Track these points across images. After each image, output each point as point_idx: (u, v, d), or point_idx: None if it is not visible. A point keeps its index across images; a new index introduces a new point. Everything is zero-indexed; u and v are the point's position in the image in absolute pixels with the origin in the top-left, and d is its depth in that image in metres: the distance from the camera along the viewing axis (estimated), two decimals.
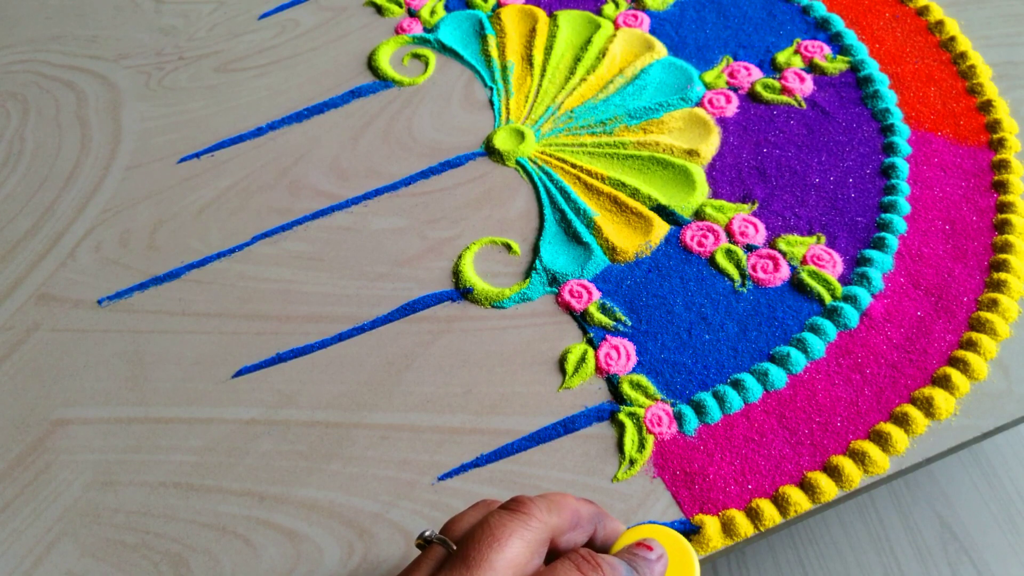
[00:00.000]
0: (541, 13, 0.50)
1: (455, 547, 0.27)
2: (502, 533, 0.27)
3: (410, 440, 0.34)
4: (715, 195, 0.41)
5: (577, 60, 0.47)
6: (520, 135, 0.44)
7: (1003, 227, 0.38)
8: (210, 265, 0.41)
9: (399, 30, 0.50)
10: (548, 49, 0.48)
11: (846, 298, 0.36)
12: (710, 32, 0.47)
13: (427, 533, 0.28)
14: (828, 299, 0.36)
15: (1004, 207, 0.38)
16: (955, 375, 0.33)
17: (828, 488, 0.31)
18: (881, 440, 0.32)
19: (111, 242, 0.43)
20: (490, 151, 0.44)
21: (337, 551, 0.32)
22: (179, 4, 0.54)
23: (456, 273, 0.39)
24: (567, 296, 0.38)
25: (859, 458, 0.32)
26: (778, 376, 0.34)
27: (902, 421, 0.33)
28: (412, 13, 0.51)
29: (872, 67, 0.44)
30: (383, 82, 0.48)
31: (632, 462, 0.33)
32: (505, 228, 0.41)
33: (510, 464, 0.34)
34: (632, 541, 0.29)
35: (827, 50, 0.45)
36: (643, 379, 0.35)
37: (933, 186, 0.40)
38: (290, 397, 0.36)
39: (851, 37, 0.46)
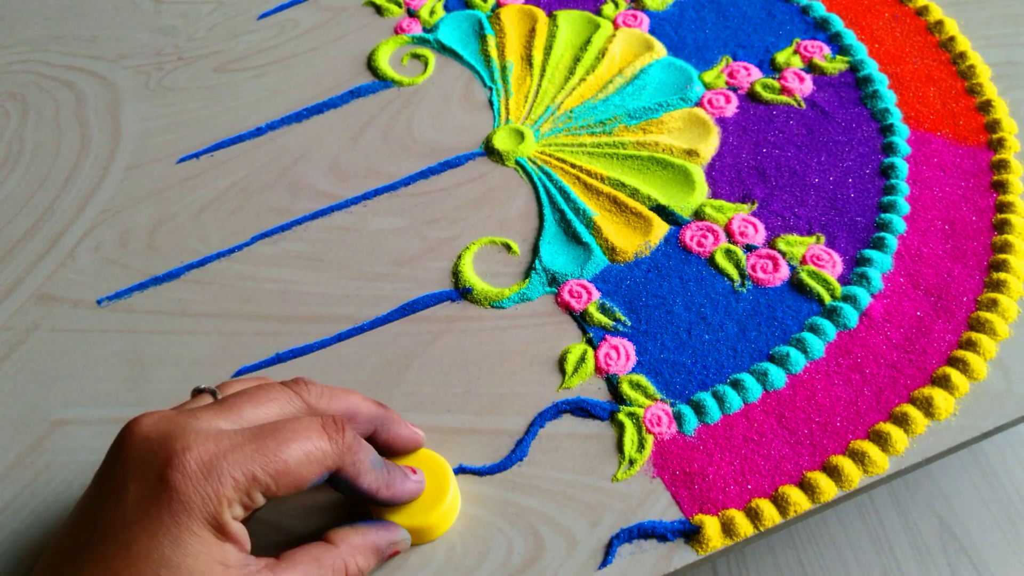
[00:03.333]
0: (540, 13, 0.50)
1: (220, 397, 0.29)
2: (264, 396, 0.29)
3: None
4: (714, 195, 0.41)
5: (576, 60, 0.47)
6: (519, 135, 0.44)
7: (1002, 227, 0.38)
8: (210, 265, 0.41)
9: (398, 30, 0.50)
10: (547, 49, 0.48)
11: (845, 298, 0.36)
12: (709, 32, 0.47)
13: (201, 386, 0.30)
14: (827, 299, 0.36)
15: (1003, 207, 0.38)
16: (955, 375, 0.33)
17: (828, 488, 0.31)
18: (880, 440, 0.32)
19: (111, 242, 0.43)
20: (489, 151, 0.44)
21: None
22: (179, 4, 0.54)
23: (455, 273, 0.39)
24: (566, 296, 0.38)
25: (858, 458, 0.32)
26: (777, 376, 0.34)
27: (901, 421, 0.33)
28: (411, 13, 0.51)
29: (871, 67, 0.44)
30: (382, 82, 0.48)
31: (632, 462, 0.33)
32: (505, 228, 0.41)
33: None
34: (405, 463, 0.32)
35: (826, 50, 0.45)
36: (642, 379, 0.35)
37: (932, 186, 0.40)
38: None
39: (850, 37, 0.46)
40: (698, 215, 0.40)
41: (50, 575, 0.26)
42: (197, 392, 0.31)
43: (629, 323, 0.37)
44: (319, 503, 0.33)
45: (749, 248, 0.39)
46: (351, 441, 0.28)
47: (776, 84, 0.44)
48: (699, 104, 0.44)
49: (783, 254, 0.38)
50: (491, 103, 0.46)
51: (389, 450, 0.32)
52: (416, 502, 0.31)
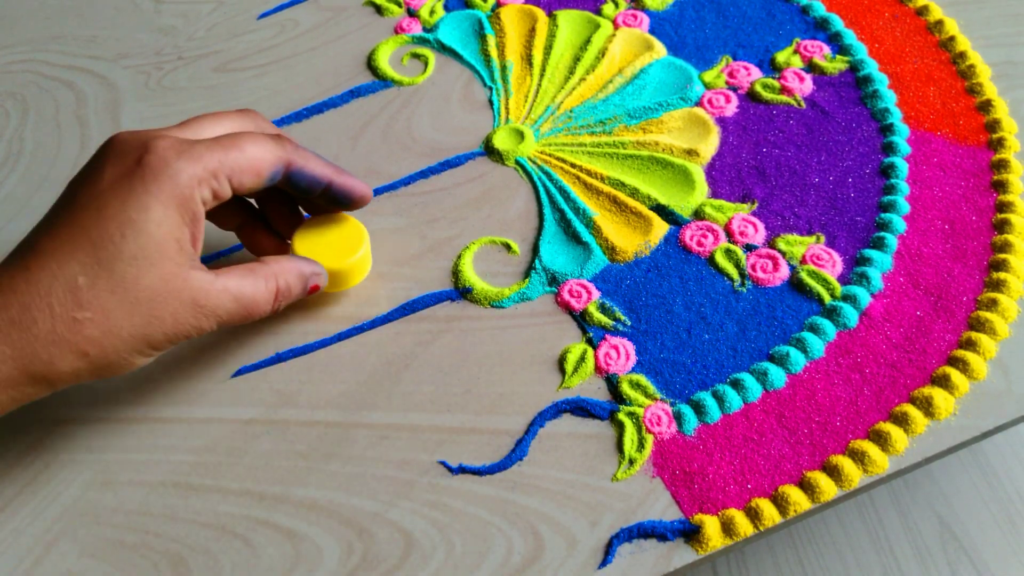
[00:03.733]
0: (540, 13, 0.50)
1: None
2: (223, 117, 0.34)
3: (410, 440, 0.34)
4: (714, 195, 0.41)
5: (576, 60, 0.47)
6: (519, 135, 0.44)
7: (1002, 227, 0.38)
8: (210, 265, 0.41)
9: (398, 30, 0.50)
10: (547, 49, 0.48)
11: (845, 298, 0.36)
12: (709, 32, 0.47)
13: None
14: (827, 299, 0.36)
15: (1003, 207, 0.38)
16: (954, 375, 0.33)
17: (827, 488, 0.31)
18: (880, 440, 0.32)
19: None
20: (489, 151, 0.44)
21: (336, 551, 0.32)
22: (178, 4, 0.54)
23: (455, 273, 0.39)
24: (566, 296, 0.38)
25: (858, 458, 0.32)
26: (777, 376, 0.34)
27: (901, 421, 0.33)
28: (411, 13, 0.51)
29: (871, 67, 0.44)
30: (382, 82, 0.48)
31: (631, 462, 0.33)
32: (504, 228, 0.41)
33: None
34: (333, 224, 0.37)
35: (826, 50, 0.45)
36: (642, 379, 0.35)
37: (932, 186, 0.40)
38: (289, 397, 0.36)
39: (850, 37, 0.46)
40: (698, 215, 0.40)
41: (24, 241, 0.30)
42: None
43: (629, 323, 0.37)
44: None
45: (749, 248, 0.39)
46: (295, 145, 0.33)
47: (776, 84, 0.44)
48: (699, 104, 0.44)
49: (783, 254, 0.38)
50: (491, 103, 0.46)
51: (301, 171, 0.35)
52: (333, 252, 0.36)
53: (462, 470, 0.33)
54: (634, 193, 0.41)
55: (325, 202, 0.36)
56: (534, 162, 0.43)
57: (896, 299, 0.36)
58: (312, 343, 0.38)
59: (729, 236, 0.39)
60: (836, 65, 0.45)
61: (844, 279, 0.37)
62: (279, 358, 0.37)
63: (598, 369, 0.36)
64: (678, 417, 0.34)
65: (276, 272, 0.33)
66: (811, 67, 0.45)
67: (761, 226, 0.39)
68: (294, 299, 0.34)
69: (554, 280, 0.38)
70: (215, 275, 0.31)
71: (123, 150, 0.30)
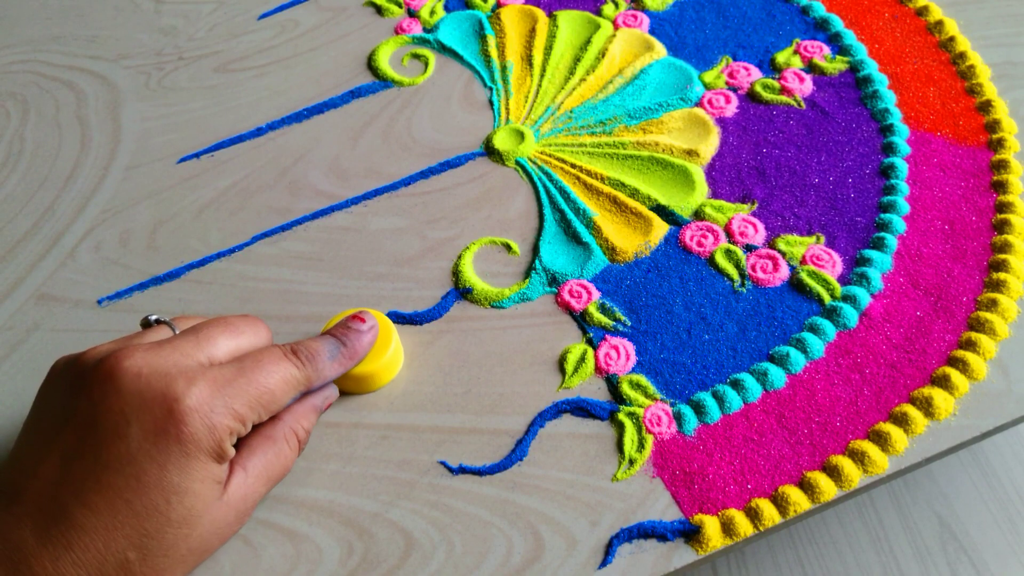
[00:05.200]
0: (540, 13, 0.50)
1: (177, 331, 0.31)
2: (236, 328, 0.32)
3: (410, 440, 0.34)
4: (714, 195, 0.41)
5: (576, 60, 0.47)
6: (519, 135, 0.44)
7: (1002, 227, 0.38)
8: (210, 265, 0.41)
9: (399, 30, 0.50)
10: (548, 49, 0.48)
11: (845, 298, 0.36)
12: (709, 32, 0.47)
13: (152, 317, 0.33)
14: (827, 299, 0.36)
15: (1003, 207, 0.38)
16: (954, 375, 0.33)
17: (827, 488, 0.31)
18: (880, 440, 0.32)
19: (111, 242, 0.43)
20: (489, 151, 0.44)
21: (336, 551, 0.32)
22: (179, 4, 0.54)
23: (455, 273, 0.39)
24: (566, 296, 0.38)
25: (858, 458, 0.32)
26: (777, 376, 0.34)
27: (901, 421, 0.33)
28: (412, 13, 0.51)
29: (871, 67, 0.44)
30: (383, 82, 0.48)
31: (631, 462, 0.33)
32: (505, 228, 0.41)
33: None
34: (345, 316, 0.35)
35: (826, 50, 0.46)
36: (642, 379, 0.35)
37: (932, 186, 0.40)
38: None
39: (850, 37, 0.46)
40: (698, 215, 0.40)
41: (52, 506, 0.28)
42: (149, 323, 0.33)
43: (629, 323, 0.37)
44: None
45: (749, 248, 0.39)
46: (307, 360, 0.32)
47: (776, 84, 0.44)
48: (699, 104, 0.44)
49: (783, 254, 0.38)
50: (491, 103, 0.46)
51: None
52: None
53: (462, 470, 0.33)
54: (634, 193, 0.41)
55: None
56: (534, 162, 0.43)
57: (896, 299, 0.36)
58: None
59: (729, 236, 0.39)
60: (836, 65, 0.45)
61: (844, 279, 0.37)
62: None
63: (598, 369, 0.36)
64: (678, 417, 0.34)
65: (293, 424, 0.32)
66: (811, 67, 0.45)
67: (761, 226, 0.39)
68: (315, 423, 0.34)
69: (554, 280, 0.38)
70: (244, 469, 0.30)
71: (143, 394, 0.28)
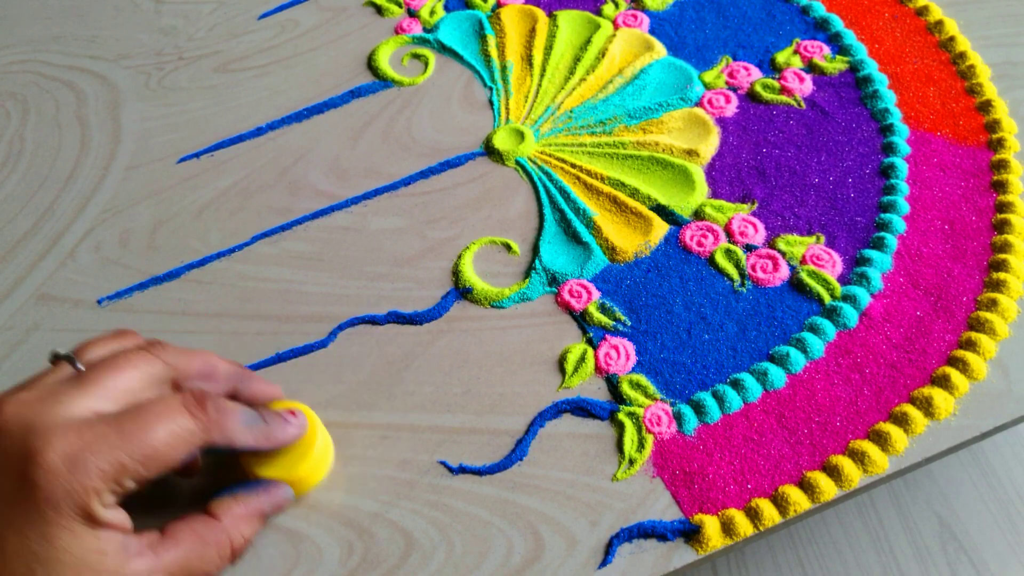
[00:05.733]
0: (540, 13, 0.50)
1: (82, 368, 0.29)
2: (124, 363, 0.29)
3: (410, 440, 0.34)
4: (714, 195, 0.41)
5: (576, 60, 0.47)
6: (519, 135, 0.44)
7: (1002, 227, 0.38)
8: (210, 265, 0.41)
9: (399, 30, 0.50)
10: (547, 49, 0.48)
11: (845, 298, 0.36)
12: (709, 32, 0.47)
13: (60, 351, 0.30)
14: (827, 299, 0.36)
15: (1003, 207, 0.38)
16: (954, 375, 0.33)
17: (827, 488, 0.31)
18: (880, 440, 0.32)
19: (111, 242, 0.43)
20: (489, 151, 0.44)
21: (337, 551, 0.32)
22: (179, 4, 0.54)
23: (456, 273, 0.39)
24: (566, 296, 0.38)
25: (858, 458, 0.32)
26: (777, 376, 0.34)
27: (901, 421, 0.33)
28: (412, 13, 0.51)
29: (871, 67, 0.44)
30: (383, 82, 0.48)
31: (632, 462, 0.33)
32: (505, 228, 0.41)
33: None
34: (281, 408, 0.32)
35: (826, 50, 0.46)
36: (642, 379, 0.35)
37: (932, 186, 0.40)
38: (290, 397, 0.36)
39: (850, 37, 0.46)
40: (698, 215, 0.40)
41: None
42: (56, 359, 0.30)
43: (629, 323, 0.37)
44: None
45: (749, 248, 0.39)
46: (215, 414, 0.28)
47: (776, 84, 0.44)
48: (699, 104, 0.44)
49: (783, 254, 0.38)
50: (491, 103, 0.46)
51: (248, 405, 0.32)
52: (285, 454, 0.31)
53: (462, 470, 0.33)
54: (634, 193, 0.41)
55: None
56: (534, 162, 0.43)
57: (896, 299, 0.36)
58: (312, 343, 0.38)
59: (729, 236, 0.39)
60: (836, 65, 0.45)
61: (844, 279, 0.37)
62: (279, 358, 0.37)
63: (598, 369, 0.36)
64: (678, 417, 0.34)
65: (229, 530, 0.29)
66: (811, 67, 0.45)
67: (761, 226, 0.39)
68: (259, 530, 0.31)
69: (554, 280, 0.38)
70: (156, 555, 0.27)
71: (5, 452, 0.26)
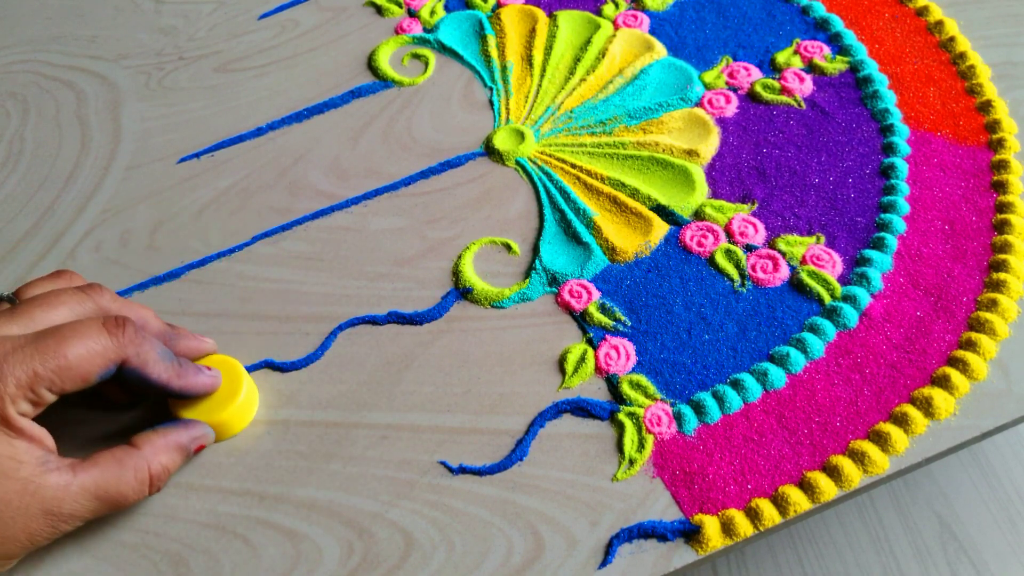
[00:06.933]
0: (541, 13, 0.50)
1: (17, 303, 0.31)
2: (55, 300, 0.31)
3: (410, 440, 0.34)
4: (714, 195, 0.41)
5: (577, 60, 0.47)
6: (520, 135, 0.44)
7: (1002, 227, 0.38)
8: (210, 265, 0.41)
9: (399, 30, 0.50)
10: (548, 49, 0.48)
11: (845, 298, 0.36)
12: (709, 32, 0.47)
13: (2, 292, 0.32)
14: (827, 299, 0.36)
15: (1003, 207, 0.38)
16: (954, 375, 0.33)
17: (827, 488, 0.31)
18: (880, 440, 0.32)
19: (111, 242, 0.43)
20: (490, 151, 0.44)
21: (337, 551, 0.32)
22: (179, 4, 0.54)
23: (456, 273, 0.39)
24: (567, 296, 0.38)
25: (858, 458, 0.32)
26: (777, 376, 0.34)
27: (901, 421, 0.33)
28: (412, 13, 0.51)
29: (871, 67, 0.44)
30: (383, 82, 0.48)
31: (632, 462, 0.33)
32: (505, 228, 0.41)
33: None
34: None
35: (826, 50, 0.46)
36: (643, 379, 0.35)
37: (932, 186, 0.40)
38: (289, 397, 0.36)
39: (850, 37, 0.46)
40: (698, 215, 0.40)
41: None
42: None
43: (629, 323, 0.37)
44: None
45: (749, 248, 0.39)
46: (132, 335, 0.30)
47: (776, 84, 0.44)
48: (699, 104, 0.44)
49: (783, 254, 0.38)
50: (491, 103, 0.46)
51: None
52: (213, 399, 0.34)
53: (462, 470, 0.33)
54: (634, 193, 0.41)
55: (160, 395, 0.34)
56: (534, 162, 0.43)
57: (896, 299, 0.36)
58: (308, 355, 0.38)
59: (729, 236, 0.39)
60: (836, 66, 0.45)
61: (844, 279, 0.37)
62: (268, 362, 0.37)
63: (598, 369, 0.36)
64: (678, 417, 0.34)
65: (147, 457, 0.31)
66: (811, 67, 0.45)
67: (761, 226, 0.39)
68: (178, 468, 0.33)
69: (554, 280, 0.38)
70: (74, 473, 0.29)
71: None
